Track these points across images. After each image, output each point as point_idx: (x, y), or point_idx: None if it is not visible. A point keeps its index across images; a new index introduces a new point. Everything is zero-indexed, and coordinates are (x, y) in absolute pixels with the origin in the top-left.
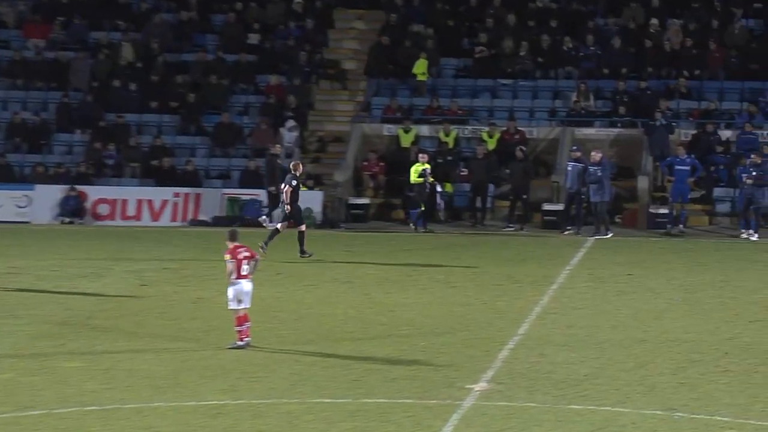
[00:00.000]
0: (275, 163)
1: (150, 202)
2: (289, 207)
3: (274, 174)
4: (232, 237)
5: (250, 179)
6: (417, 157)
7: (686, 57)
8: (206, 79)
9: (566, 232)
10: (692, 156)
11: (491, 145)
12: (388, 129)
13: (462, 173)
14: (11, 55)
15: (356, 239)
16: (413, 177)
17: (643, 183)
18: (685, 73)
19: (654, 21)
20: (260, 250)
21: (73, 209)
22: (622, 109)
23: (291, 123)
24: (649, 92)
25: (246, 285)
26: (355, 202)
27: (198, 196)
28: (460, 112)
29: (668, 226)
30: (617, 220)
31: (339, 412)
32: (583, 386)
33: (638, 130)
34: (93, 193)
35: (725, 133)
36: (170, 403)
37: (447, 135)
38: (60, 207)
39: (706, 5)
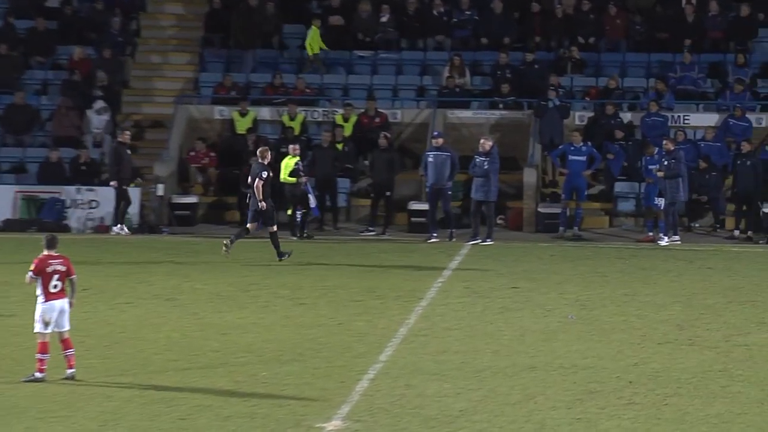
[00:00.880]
0: (123, 153)
1: None
2: (263, 204)
3: (122, 165)
4: (50, 244)
5: (50, 174)
6: (289, 150)
7: (581, 23)
8: None
9: (431, 240)
10: (589, 144)
11: (347, 130)
12: (220, 111)
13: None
14: None
15: (181, 246)
16: (284, 175)
17: (530, 176)
18: (581, 40)
19: None
20: (223, 249)
21: None
22: (504, 87)
23: (100, 104)
24: (536, 67)
25: (58, 303)
26: (180, 201)
27: None
28: (307, 91)
29: (561, 228)
30: (499, 221)
31: None
32: (459, 423)
33: (525, 113)
34: None
35: (627, 116)
36: None
37: (292, 119)
38: None
39: None
